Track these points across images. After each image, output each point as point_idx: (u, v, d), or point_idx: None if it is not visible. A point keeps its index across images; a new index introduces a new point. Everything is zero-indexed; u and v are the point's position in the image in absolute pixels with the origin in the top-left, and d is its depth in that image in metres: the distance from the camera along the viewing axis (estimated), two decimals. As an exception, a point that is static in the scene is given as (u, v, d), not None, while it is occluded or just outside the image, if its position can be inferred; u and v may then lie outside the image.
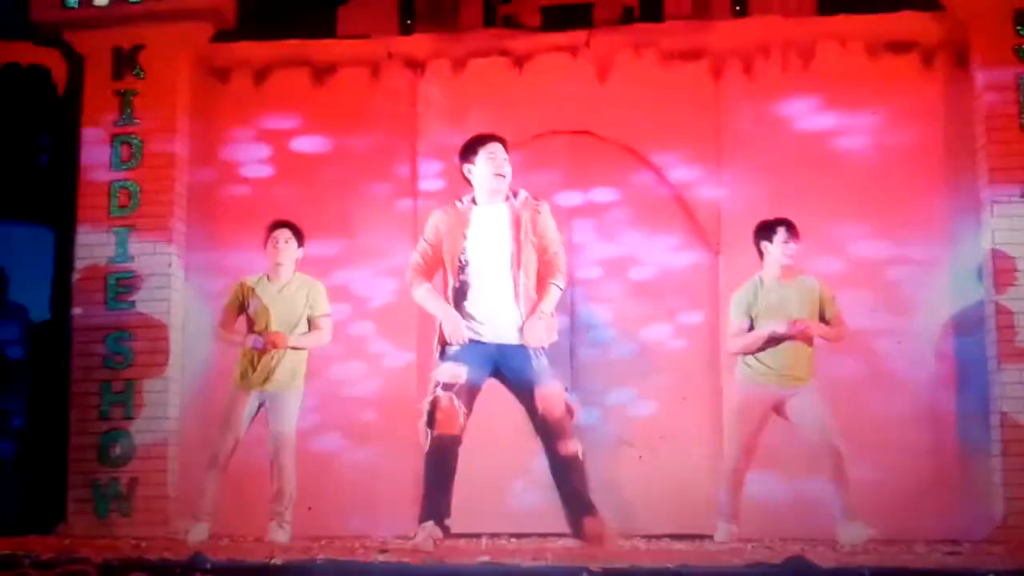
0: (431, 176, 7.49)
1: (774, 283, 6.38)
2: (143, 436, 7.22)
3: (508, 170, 5.38)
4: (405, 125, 7.58)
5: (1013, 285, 6.84)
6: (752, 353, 6.32)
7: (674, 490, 6.97)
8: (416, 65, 7.63)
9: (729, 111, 7.37)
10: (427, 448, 5.20)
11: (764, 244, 6.39)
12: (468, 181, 5.45)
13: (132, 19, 7.51)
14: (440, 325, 5.33)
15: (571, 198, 7.37)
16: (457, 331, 5.23)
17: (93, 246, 7.40)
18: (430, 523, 5.13)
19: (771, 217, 6.44)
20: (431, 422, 5.17)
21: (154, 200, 7.40)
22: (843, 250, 7.08)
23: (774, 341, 6.26)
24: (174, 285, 7.38)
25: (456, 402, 5.15)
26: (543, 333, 5.30)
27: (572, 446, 5.20)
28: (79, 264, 7.42)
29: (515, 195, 5.41)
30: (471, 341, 5.24)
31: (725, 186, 7.33)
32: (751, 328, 6.34)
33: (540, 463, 5.32)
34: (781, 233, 6.33)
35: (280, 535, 6.23)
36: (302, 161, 7.62)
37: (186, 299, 7.46)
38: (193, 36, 7.61)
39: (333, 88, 7.65)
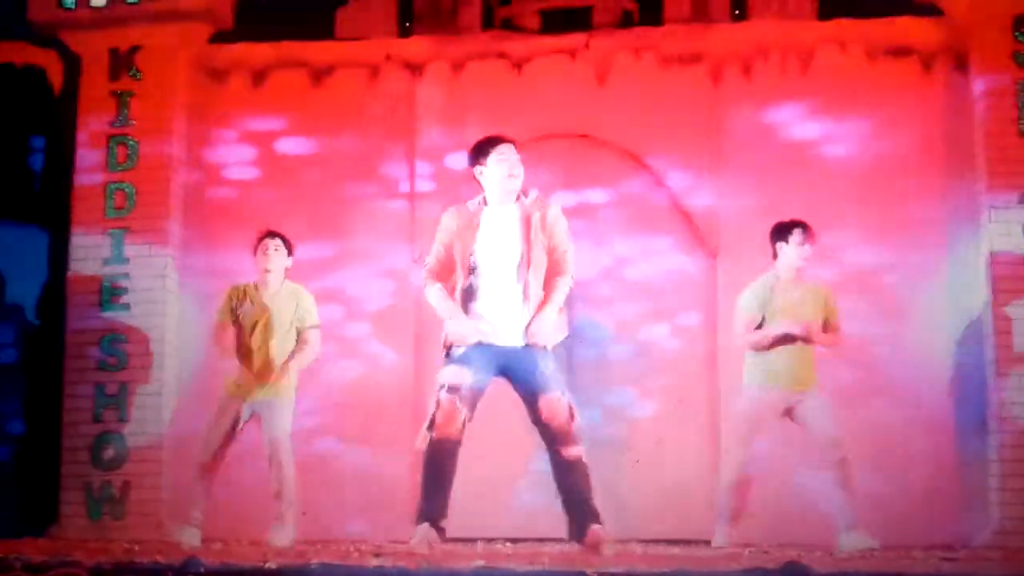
0: (428, 178, 7.48)
1: (789, 283, 6.35)
2: (136, 439, 7.18)
3: (520, 171, 5.34)
4: (403, 127, 7.56)
5: (1011, 291, 6.81)
6: (762, 350, 6.25)
7: (670, 493, 6.94)
8: (414, 67, 7.61)
9: (728, 115, 7.36)
10: (424, 450, 5.16)
11: (779, 245, 6.35)
12: (479, 183, 5.39)
13: (129, 20, 7.46)
14: (446, 327, 5.30)
15: (568, 200, 7.32)
16: (463, 333, 5.20)
17: (88, 248, 7.36)
18: (425, 525, 5.10)
19: (787, 219, 6.39)
20: (431, 424, 5.14)
21: (150, 202, 7.36)
22: (840, 256, 7.05)
23: (785, 341, 6.22)
24: (169, 288, 7.34)
25: (458, 404, 5.12)
26: (550, 331, 5.25)
27: (576, 451, 5.16)
28: (74, 266, 7.38)
29: (525, 195, 5.37)
30: (477, 343, 5.20)
31: (723, 189, 7.32)
32: (760, 325, 6.30)
33: (538, 465, 5.28)
34: (797, 235, 6.30)
35: (281, 536, 6.21)
36: (297, 163, 7.60)
37: (181, 302, 7.42)
38: (191, 37, 7.58)
39: (331, 90, 7.63)
